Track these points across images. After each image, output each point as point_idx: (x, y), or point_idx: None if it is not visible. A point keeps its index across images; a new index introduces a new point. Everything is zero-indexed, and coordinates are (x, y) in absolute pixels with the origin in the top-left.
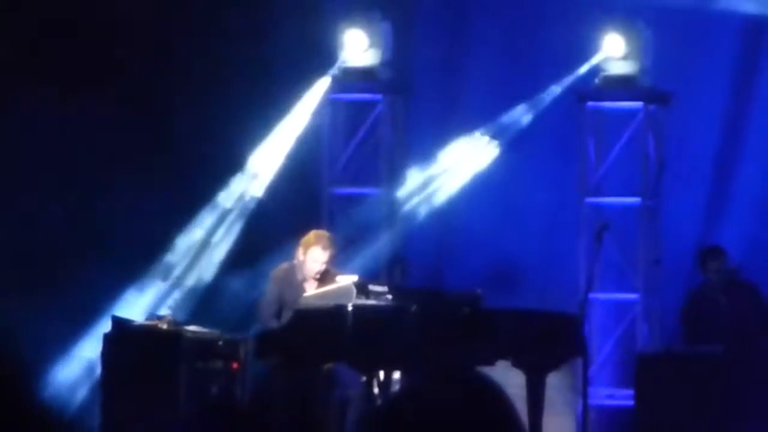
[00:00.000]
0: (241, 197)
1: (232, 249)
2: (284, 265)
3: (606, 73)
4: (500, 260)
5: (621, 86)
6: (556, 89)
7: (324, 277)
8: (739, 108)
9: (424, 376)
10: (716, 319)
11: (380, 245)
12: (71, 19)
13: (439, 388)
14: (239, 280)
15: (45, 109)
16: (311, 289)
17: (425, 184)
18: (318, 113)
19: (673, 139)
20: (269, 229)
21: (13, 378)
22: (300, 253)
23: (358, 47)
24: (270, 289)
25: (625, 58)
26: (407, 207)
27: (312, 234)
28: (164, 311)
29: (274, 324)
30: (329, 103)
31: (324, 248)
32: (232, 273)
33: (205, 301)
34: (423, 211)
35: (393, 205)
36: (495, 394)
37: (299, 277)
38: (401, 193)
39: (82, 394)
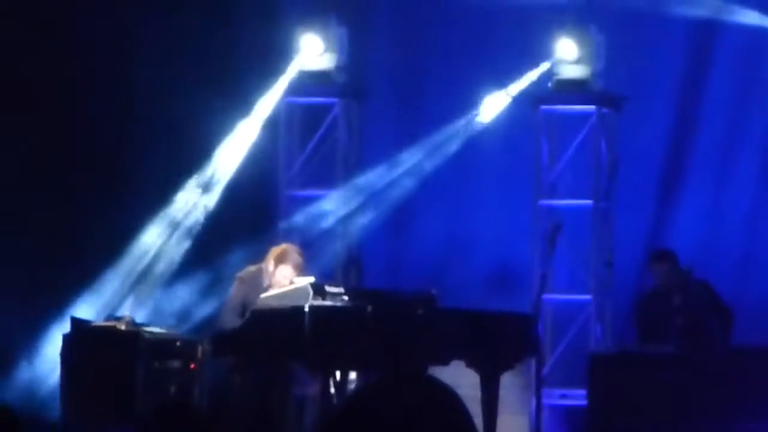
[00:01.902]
0: (198, 199)
1: (190, 250)
2: (251, 268)
3: (559, 77)
4: (454, 261)
5: (574, 90)
6: (509, 93)
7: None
8: (690, 112)
9: (380, 378)
10: (670, 319)
11: (336, 247)
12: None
13: (394, 391)
14: (196, 281)
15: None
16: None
17: (381, 187)
18: (274, 116)
19: (625, 142)
20: (226, 231)
21: None
22: (270, 264)
23: (313, 51)
24: (235, 291)
25: (577, 62)
26: (362, 209)
27: (284, 250)
28: (122, 312)
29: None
30: (285, 106)
31: (295, 267)
32: (190, 274)
33: (163, 302)
34: (378, 213)
35: (348, 207)
36: (448, 396)
37: (265, 282)
38: (356, 195)
39: (44, 392)
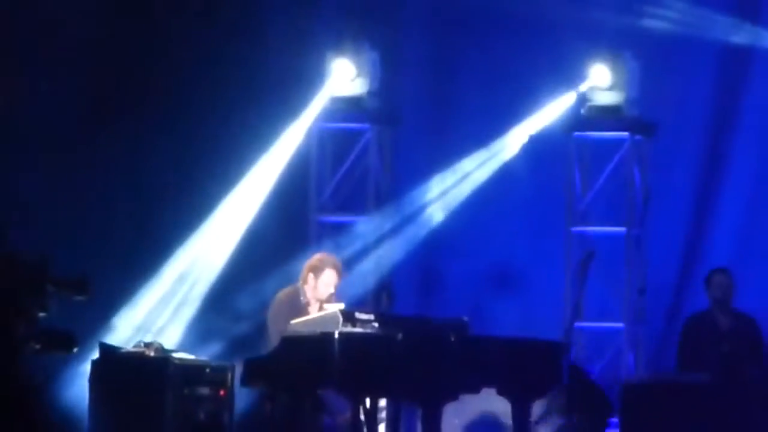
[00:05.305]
0: (228, 225)
1: (220, 276)
2: (288, 289)
3: (592, 103)
4: (486, 289)
5: (607, 116)
6: (542, 119)
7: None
8: (723, 138)
9: None
10: (714, 342)
11: (367, 273)
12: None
13: None
14: (228, 307)
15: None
16: (314, 313)
17: (412, 213)
18: (306, 142)
19: (658, 168)
20: (257, 257)
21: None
22: (310, 277)
23: (345, 77)
24: (278, 312)
25: (611, 88)
26: (394, 235)
27: (318, 258)
28: (151, 338)
29: None
30: (317, 131)
31: (336, 270)
32: (221, 300)
33: (193, 328)
34: (410, 240)
35: (379, 233)
36: None
37: (303, 300)
38: (388, 221)
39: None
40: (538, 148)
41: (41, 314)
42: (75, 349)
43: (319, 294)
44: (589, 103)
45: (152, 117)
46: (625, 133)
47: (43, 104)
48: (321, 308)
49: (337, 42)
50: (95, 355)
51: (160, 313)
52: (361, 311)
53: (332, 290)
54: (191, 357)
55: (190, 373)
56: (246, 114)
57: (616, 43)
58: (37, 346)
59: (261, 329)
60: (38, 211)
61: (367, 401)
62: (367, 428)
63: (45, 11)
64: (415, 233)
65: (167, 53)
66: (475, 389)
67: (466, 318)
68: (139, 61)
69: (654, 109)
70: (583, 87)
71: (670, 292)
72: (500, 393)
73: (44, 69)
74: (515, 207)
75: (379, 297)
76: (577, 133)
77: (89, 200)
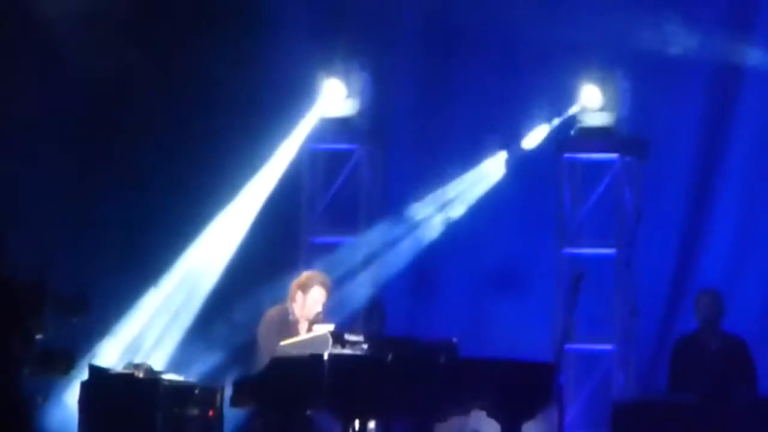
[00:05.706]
0: (220, 246)
1: (210, 296)
2: (277, 308)
3: (582, 124)
4: (476, 310)
5: (597, 137)
6: (532, 140)
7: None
8: (714, 158)
9: None
10: (704, 363)
11: (358, 293)
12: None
13: None
14: (218, 326)
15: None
16: (304, 332)
17: (403, 233)
18: (296, 162)
19: (648, 188)
20: (249, 277)
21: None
22: (298, 295)
23: (336, 97)
24: (268, 329)
25: (601, 109)
26: (385, 255)
27: (307, 276)
28: (140, 359)
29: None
30: (308, 152)
31: (325, 287)
32: (211, 319)
33: (183, 349)
34: (400, 260)
35: (370, 254)
36: None
37: (292, 319)
38: (379, 241)
39: None
40: (529, 168)
41: (38, 336)
42: (72, 371)
43: (308, 311)
44: (579, 124)
45: (144, 137)
46: (616, 155)
47: (39, 113)
48: (310, 328)
49: (328, 63)
50: (84, 376)
51: (149, 333)
52: (350, 332)
53: (320, 308)
54: (180, 378)
55: (180, 394)
56: (237, 135)
57: (606, 63)
58: (35, 368)
59: (253, 347)
60: (37, 219)
61: (357, 422)
62: None
63: (42, 14)
64: (406, 253)
65: (162, 71)
66: (464, 411)
67: (455, 339)
68: (137, 74)
69: (645, 130)
70: (573, 108)
71: (660, 313)
72: (490, 415)
73: (43, 73)
74: (505, 227)
75: (370, 315)
76: (567, 155)
77: (83, 216)
